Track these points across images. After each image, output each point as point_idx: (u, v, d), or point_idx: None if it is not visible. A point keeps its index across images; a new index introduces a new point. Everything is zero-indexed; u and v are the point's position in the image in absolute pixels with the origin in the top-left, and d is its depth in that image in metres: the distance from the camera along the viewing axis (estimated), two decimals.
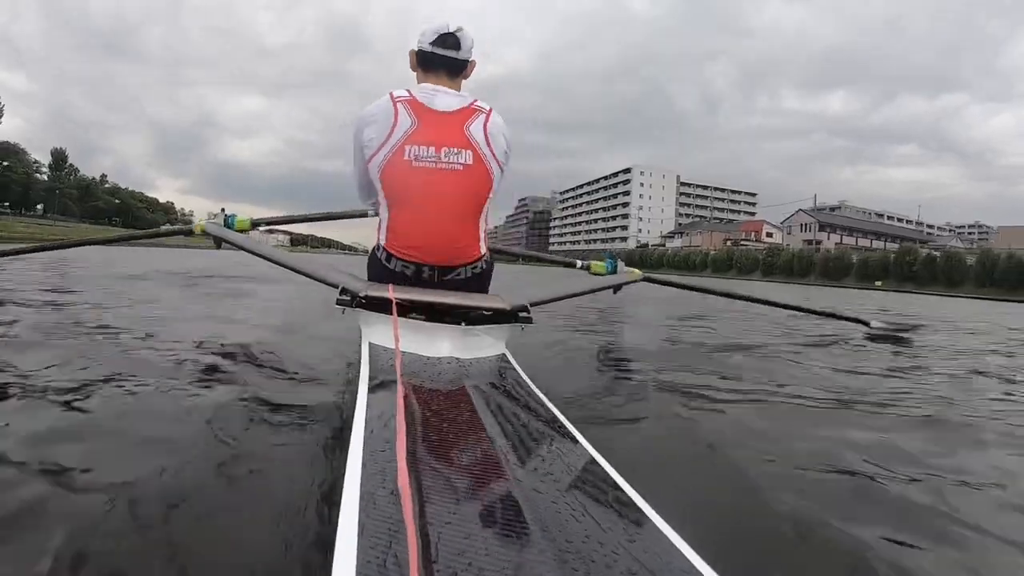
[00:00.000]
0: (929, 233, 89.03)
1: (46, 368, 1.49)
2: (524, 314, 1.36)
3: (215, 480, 0.90)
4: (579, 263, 2.73)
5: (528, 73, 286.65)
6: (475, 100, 1.57)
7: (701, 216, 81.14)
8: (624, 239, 76.48)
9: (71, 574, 0.67)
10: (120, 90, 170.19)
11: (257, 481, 0.91)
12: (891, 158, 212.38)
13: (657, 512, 0.62)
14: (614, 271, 2.46)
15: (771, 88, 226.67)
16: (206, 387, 1.40)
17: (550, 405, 1.00)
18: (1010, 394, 2.20)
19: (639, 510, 0.63)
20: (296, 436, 1.12)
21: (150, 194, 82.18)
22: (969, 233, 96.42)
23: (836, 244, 49.93)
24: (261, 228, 2.41)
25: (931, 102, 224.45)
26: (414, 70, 1.63)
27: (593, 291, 2.12)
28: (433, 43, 1.56)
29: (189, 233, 2.17)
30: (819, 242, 50.37)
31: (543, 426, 0.90)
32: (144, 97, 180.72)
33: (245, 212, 2.31)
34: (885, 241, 53.34)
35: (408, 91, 1.53)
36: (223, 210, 2.22)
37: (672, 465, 1.20)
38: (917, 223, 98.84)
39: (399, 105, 1.48)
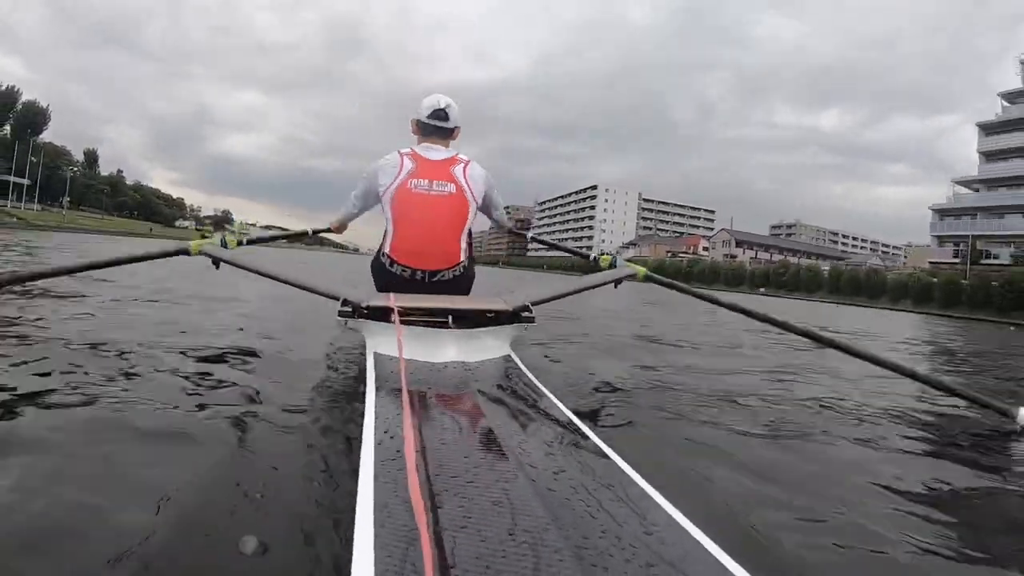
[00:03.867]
0: (884, 251, 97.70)
1: (46, 374, 1.48)
2: (526, 314, 1.40)
3: (227, 495, 0.90)
4: (592, 255, 2.72)
5: (525, 78, 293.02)
6: (458, 153, 2.15)
7: (662, 229, 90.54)
8: (589, 247, 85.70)
9: None
10: (117, 80, 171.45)
11: (269, 496, 0.91)
12: (882, 176, 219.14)
13: (672, 504, 0.62)
14: (615, 266, 2.44)
15: (766, 101, 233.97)
16: (211, 403, 1.38)
17: (558, 403, 1.01)
18: None
19: (654, 503, 0.62)
20: (306, 450, 1.11)
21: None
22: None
23: (752, 259, 58.88)
24: (245, 242, 2.44)
25: (923, 121, 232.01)
26: (415, 133, 2.19)
27: (593, 287, 2.10)
28: (428, 116, 2.12)
29: (185, 253, 2.04)
30: (735, 256, 59.36)
31: (552, 424, 0.90)
32: (141, 88, 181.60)
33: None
34: (798, 256, 62.26)
35: (411, 148, 2.12)
36: (222, 233, 2.36)
37: (684, 459, 1.19)
38: (872, 242, 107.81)
39: (404, 157, 2.06)
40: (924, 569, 0.91)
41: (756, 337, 3.60)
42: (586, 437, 0.83)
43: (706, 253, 65.90)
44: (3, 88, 57.31)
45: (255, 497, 0.91)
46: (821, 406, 1.66)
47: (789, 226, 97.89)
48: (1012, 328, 18.23)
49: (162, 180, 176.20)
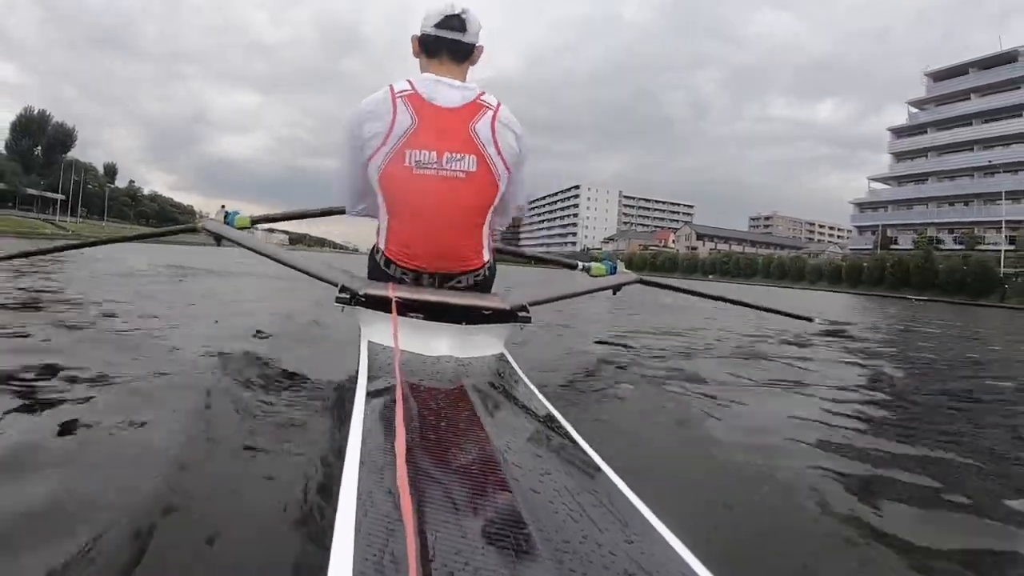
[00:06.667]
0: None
1: (41, 363, 1.48)
2: (523, 313, 1.37)
3: (209, 479, 0.89)
4: (580, 265, 2.65)
5: (519, 75, 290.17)
6: (481, 93, 1.43)
7: (643, 224, 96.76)
8: (573, 243, 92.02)
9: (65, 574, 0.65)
10: (112, 83, 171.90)
11: (252, 480, 0.91)
12: (874, 167, 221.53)
13: (654, 513, 0.61)
14: (613, 272, 2.44)
15: (760, 95, 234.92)
16: (199, 385, 1.36)
17: (548, 404, 1.01)
18: None
19: (636, 511, 0.62)
20: (293, 435, 1.10)
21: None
22: None
23: (711, 250, 64.88)
24: (260, 228, 2.35)
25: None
26: (417, 56, 1.53)
27: (591, 291, 2.08)
28: (437, 25, 1.44)
29: (193, 231, 2.07)
30: (695, 248, 65.43)
31: (541, 426, 0.91)
32: (136, 91, 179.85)
33: (239, 208, 2.20)
34: (757, 247, 68.10)
35: (409, 82, 1.40)
36: (223, 207, 2.24)
37: (669, 466, 1.19)
38: (849, 231, 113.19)
39: (399, 101, 1.36)
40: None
41: (746, 332, 3.71)
42: (574, 441, 0.83)
43: (674, 246, 71.94)
44: (35, 112, 64.36)
45: (235, 478, 0.91)
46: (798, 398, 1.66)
47: (767, 218, 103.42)
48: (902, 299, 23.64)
49: (160, 184, 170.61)
